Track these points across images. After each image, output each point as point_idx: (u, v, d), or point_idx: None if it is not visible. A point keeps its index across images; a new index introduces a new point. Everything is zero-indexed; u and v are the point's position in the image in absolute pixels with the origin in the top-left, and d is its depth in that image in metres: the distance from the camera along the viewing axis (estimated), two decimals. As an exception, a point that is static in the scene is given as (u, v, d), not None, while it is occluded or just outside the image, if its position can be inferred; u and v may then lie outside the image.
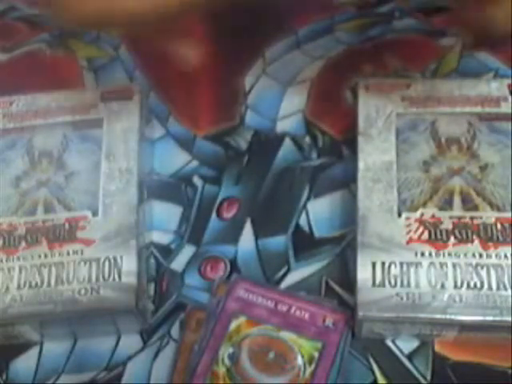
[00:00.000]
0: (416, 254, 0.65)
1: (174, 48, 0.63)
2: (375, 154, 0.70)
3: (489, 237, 0.65)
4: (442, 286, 0.64)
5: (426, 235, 0.66)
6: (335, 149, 0.76)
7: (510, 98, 0.71)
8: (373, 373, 0.66)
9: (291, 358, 0.65)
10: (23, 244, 0.69)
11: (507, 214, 0.66)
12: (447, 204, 0.68)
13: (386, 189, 0.68)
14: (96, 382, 0.68)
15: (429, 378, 0.65)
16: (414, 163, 0.70)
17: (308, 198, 0.74)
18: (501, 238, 0.65)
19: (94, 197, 0.70)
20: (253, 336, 0.66)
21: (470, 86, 0.72)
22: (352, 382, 0.65)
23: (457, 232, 0.66)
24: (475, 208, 0.67)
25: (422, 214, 0.67)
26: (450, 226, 0.66)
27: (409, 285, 0.64)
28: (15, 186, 0.72)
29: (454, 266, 0.64)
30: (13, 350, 0.70)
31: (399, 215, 0.67)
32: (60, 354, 0.69)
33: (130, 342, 0.69)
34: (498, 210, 0.67)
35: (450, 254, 0.65)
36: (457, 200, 0.68)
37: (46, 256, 0.68)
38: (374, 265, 0.65)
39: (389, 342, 0.67)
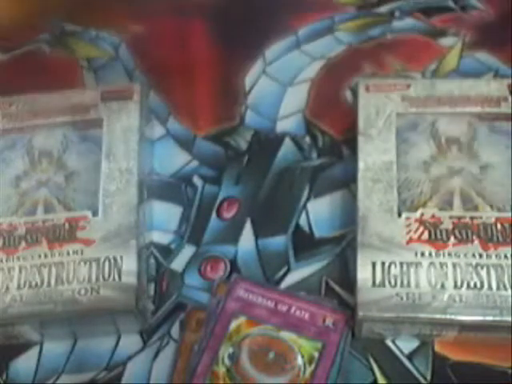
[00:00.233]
0: (416, 254, 0.65)
1: None
2: (375, 153, 0.70)
3: (489, 237, 0.65)
4: (442, 286, 0.64)
5: (425, 235, 0.66)
6: (335, 149, 0.76)
7: (510, 97, 0.71)
8: (373, 373, 0.66)
9: (291, 357, 0.65)
10: (23, 244, 0.69)
11: (507, 214, 0.66)
12: (447, 204, 0.68)
13: (386, 189, 0.68)
14: (96, 381, 0.68)
15: (429, 377, 0.65)
16: (414, 163, 0.70)
17: (308, 198, 0.74)
18: (501, 238, 0.65)
19: (94, 197, 0.70)
20: (253, 336, 0.66)
21: (469, 86, 0.72)
22: (352, 382, 0.65)
23: (457, 232, 0.66)
24: (475, 208, 0.67)
25: (422, 214, 0.67)
26: (450, 226, 0.66)
27: (409, 285, 0.64)
28: (15, 186, 0.72)
29: (454, 266, 0.64)
30: (13, 349, 0.70)
31: (399, 215, 0.67)
32: (60, 354, 0.69)
33: (130, 342, 0.69)
34: (498, 210, 0.67)
35: (449, 254, 0.65)
36: (457, 200, 0.68)
37: (46, 256, 0.68)
38: (374, 265, 0.65)
39: (389, 342, 0.67)
